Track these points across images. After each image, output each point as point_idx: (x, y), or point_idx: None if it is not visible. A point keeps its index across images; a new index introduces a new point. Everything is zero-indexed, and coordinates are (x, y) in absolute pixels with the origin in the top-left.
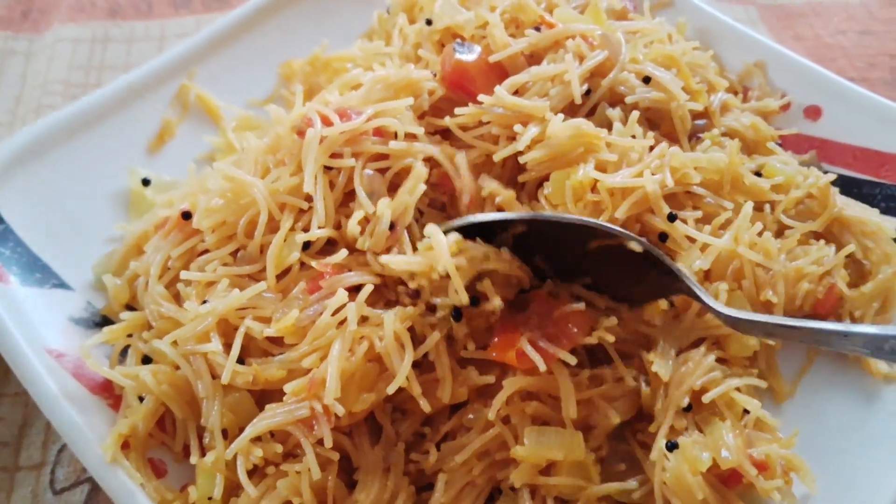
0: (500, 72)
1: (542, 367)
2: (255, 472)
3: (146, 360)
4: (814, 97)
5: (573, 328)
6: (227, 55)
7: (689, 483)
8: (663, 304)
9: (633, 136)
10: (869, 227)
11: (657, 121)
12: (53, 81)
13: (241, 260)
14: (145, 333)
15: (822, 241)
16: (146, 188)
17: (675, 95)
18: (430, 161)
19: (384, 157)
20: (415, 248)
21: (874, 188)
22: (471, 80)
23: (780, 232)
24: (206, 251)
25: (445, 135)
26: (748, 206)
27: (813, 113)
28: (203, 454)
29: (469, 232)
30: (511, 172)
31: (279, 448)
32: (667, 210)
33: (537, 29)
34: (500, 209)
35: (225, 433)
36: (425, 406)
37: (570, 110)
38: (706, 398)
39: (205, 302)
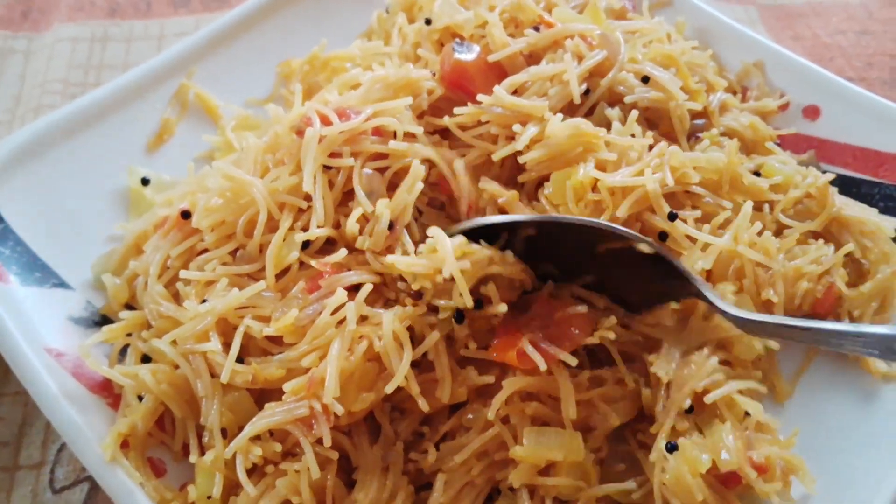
0: (499, 71)
1: (543, 366)
2: (255, 471)
3: (145, 359)
4: (812, 97)
5: (574, 329)
6: (227, 54)
7: (688, 484)
8: (673, 305)
9: (633, 136)
10: (867, 226)
11: (656, 120)
12: (53, 81)
13: (240, 259)
14: (145, 333)
15: (820, 241)
16: (145, 187)
17: (673, 95)
18: (429, 161)
19: (383, 156)
20: (415, 248)
21: (873, 188)
22: (470, 79)
23: (778, 231)
24: (206, 250)
25: (444, 134)
26: (748, 206)
27: (811, 113)
28: (202, 453)
29: (478, 234)
30: (510, 172)
31: (278, 447)
32: (667, 209)
33: (536, 29)
34: (502, 210)
35: (224, 432)
36: (424, 406)
37: (569, 110)
38: (708, 399)
39: (204, 301)
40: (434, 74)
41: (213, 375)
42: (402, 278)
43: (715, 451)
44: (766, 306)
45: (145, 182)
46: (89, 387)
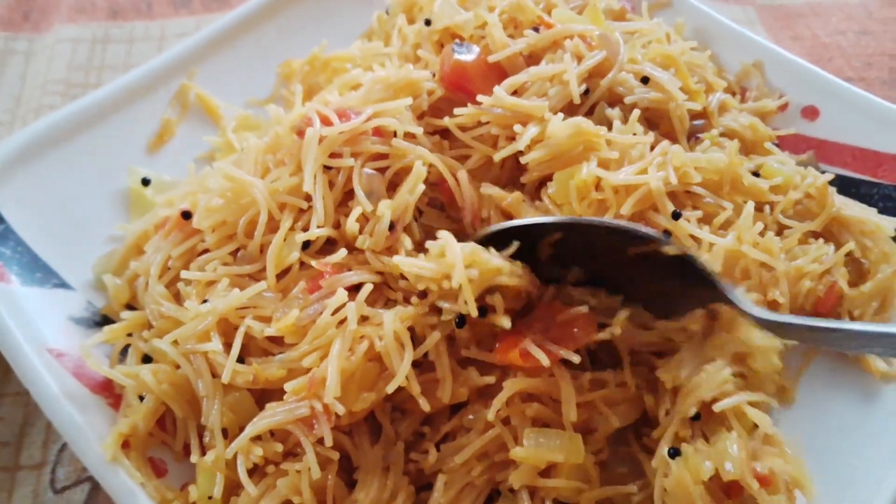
0: (499, 72)
1: (546, 362)
2: (256, 471)
3: (146, 359)
4: (811, 97)
5: (577, 331)
6: (227, 55)
7: (689, 491)
8: (700, 313)
9: (634, 135)
10: (867, 226)
11: (656, 121)
12: (54, 81)
13: (241, 259)
14: (145, 333)
15: (820, 240)
16: (146, 188)
17: (673, 95)
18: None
19: (383, 156)
20: (416, 248)
21: (872, 188)
22: (470, 80)
23: (778, 232)
24: (207, 251)
25: (444, 135)
26: (750, 206)
27: (810, 113)
28: (203, 453)
29: (497, 237)
30: (510, 174)
31: (279, 447)
32: (671, 208)
33: (536, 29)
34: (506, 214)
35: (225, 432)
36: (425, 405)
37: (569, 110)
38: (717, 407)
39: (205, 301)
40: (434, 75)
41: (214, 375)
42: (403, 277)
43: (718, 460)
44: (772, 307)
45: (146, 182)
46: (90, 387)
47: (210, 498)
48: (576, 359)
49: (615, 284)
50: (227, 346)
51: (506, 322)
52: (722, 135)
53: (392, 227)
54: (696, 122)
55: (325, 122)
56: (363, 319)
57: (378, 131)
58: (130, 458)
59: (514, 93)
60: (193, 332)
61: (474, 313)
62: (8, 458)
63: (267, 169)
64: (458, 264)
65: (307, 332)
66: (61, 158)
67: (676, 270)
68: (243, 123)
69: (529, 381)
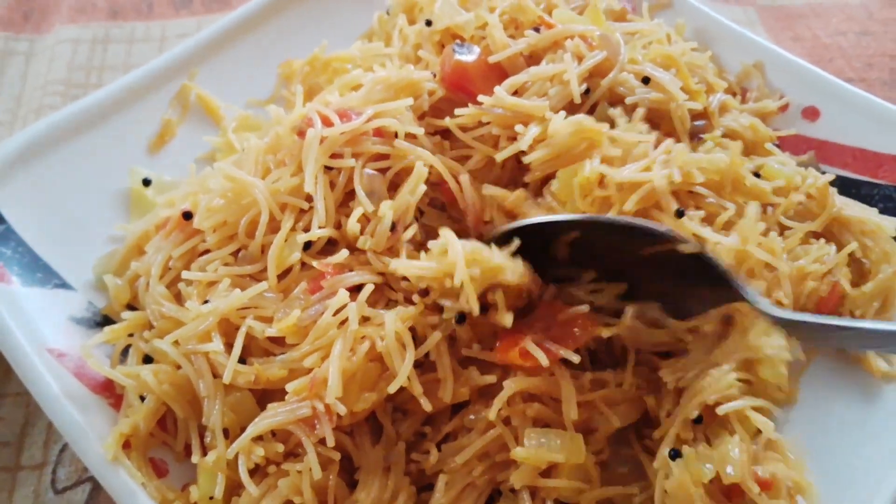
0: (500, 72)
1: (545, 362)
2: (257, 471)
3: (147, 359)
4: (812, 98)
5: (577, 330)
6: (228, 56)
7: (690, 493)
8: (718, 315)
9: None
10: (868, 226)
11: (657, 121)
12: (54, 82)
13: (242, 260)
14: (146, 333)
15: (822, 240)
16: (147, 188)
17: (674, 96)
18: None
19: (384, 157)
20: (417, 248)
21: (872, 189)
22: (470, 80)
23: (780, 233)
24: (208, 251)
25: (445, 135)
26: (755, 206)
27: (811, 114)
28: (204, 453)
29: (507, 237)
30: (511, 174)
31: (280, 447)
32: (674, 206)
33: (536, 30)
34: (509, 214)
35: (226, 432)
36: (426, 405)
37: (570, 110)
38: (721, 410)
39: (206, 302)
40: (435, 76)
41: (216, 376)
42: (405, 278)
43: (719, 463)
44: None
45: (147, 183)
46: (91, 387)
47: (211, 498)
48: (575, 358)
49: (628, 283)
50: (229, 346)
51: (507, 319)
52: (723, 135)
53: (393, 227)
54: (696, 123)
55: (326, 122)
56: (364, 320)
57: (379, 132)
58: (131, 459)
59: (515, 93)
60: (194, 333)
61: (476, 311)
62: (9, 459)
63: (268, 169)
64: (460, 262)
65: (308, 332)
66: (62, 159)
67: (691, 269)
68: (244, 124)
69: (530, 381)
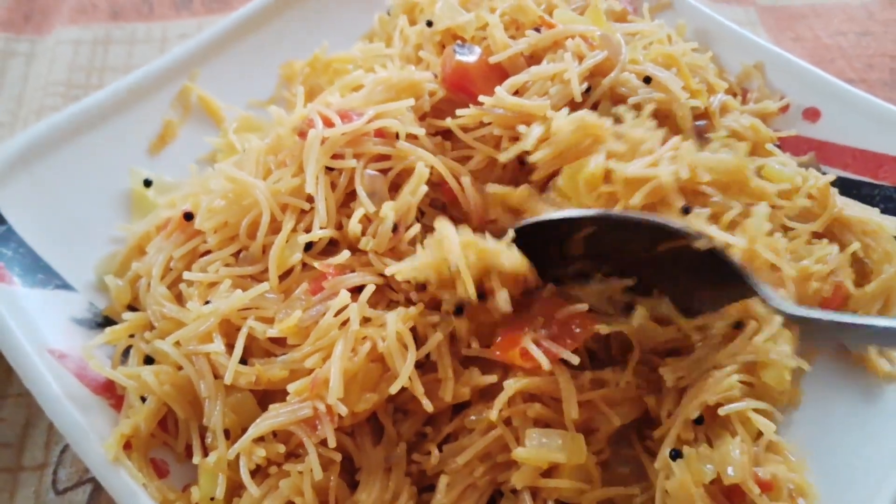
0: (501, 73)
1: (547, 365)
2: (258, 472)
3: (148, 360)
4: (812, 99)
5: (576, 329)
6: (229, 56)
7: (690, 493)
8: (729, 317)
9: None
10: (870, 226)
11: (659, 121)
12: (55, 83)
13: (243, 261)
14: (147, 334)
15: (824, 241)
16: (148, 189)
17: (676, 95)
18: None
19: (385, 157)
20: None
21: (872, 189)
22: (471, 81)
23: (782, 233)
24: (209, 252)
25: (447, 135)
26: (763, 206)
27: (812, 115)
28: (205, 454)
29: (526, 232)
30: (512, 174)
31: (282, 448)
32: (681, 203)
33: (537, 30)
34: (514, 210)
35: (227, 433)
36: (428, 406)
37: (571, 109)
38: (723, 411)
39: (207, 302)
40: (436, 76)
41: (217, 376)
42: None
43: (720, 464)
44: None
45: (148, 184)
46: (92, 388)
47: (212, 499)
48: (575, 360)
49: (639, 279)
50: (230, 347)
51: (505, 303)
52: (727, 136)
53: (395, 228)
54: (698, 123)
55: (327, 123)
56: (366, 321)
57: (380, 132)
58: (132, 459)
59: (516, 93)
60: (195, 334)
61: (473, 296)
62: (10, 460)
63: (269, 170)
64: (455, 247)
65: (310, 333)
66: (63, 160)
67: (704, 266)
68: (245, 125)
69: (531, 381)
